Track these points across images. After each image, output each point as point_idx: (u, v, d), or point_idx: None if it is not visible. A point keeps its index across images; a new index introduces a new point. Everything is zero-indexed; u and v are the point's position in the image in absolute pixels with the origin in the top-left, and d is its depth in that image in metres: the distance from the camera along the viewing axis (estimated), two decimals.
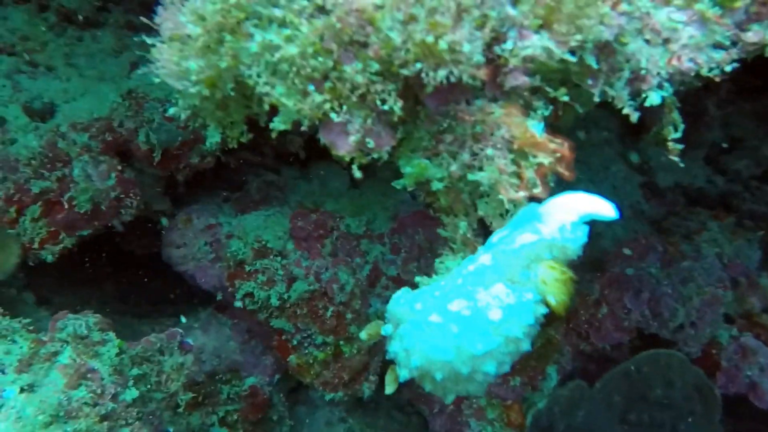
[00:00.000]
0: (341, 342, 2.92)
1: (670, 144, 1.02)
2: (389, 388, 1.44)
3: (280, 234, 2.95)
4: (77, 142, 2.62)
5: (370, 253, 3.03)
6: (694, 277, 3.21)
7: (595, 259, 3.43)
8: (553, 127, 1.02)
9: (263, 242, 2.91)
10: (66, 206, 2.57)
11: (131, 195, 2.73)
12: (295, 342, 2.94)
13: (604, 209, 1.02)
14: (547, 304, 1.11)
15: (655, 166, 4.03)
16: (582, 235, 1.08)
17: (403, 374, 1.33)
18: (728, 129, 4.05)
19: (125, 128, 2.68)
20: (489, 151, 0.98)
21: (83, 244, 2.80)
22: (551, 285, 1.07)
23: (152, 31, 1.04)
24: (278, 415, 3.37)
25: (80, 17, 3.01)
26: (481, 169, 1.01)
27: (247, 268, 2.88)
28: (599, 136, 4.07)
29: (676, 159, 1.02)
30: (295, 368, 2.99)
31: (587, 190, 3.71)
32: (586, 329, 3.19)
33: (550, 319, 3.38)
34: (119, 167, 2.69)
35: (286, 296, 2.87)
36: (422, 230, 3.11)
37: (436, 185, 1.08)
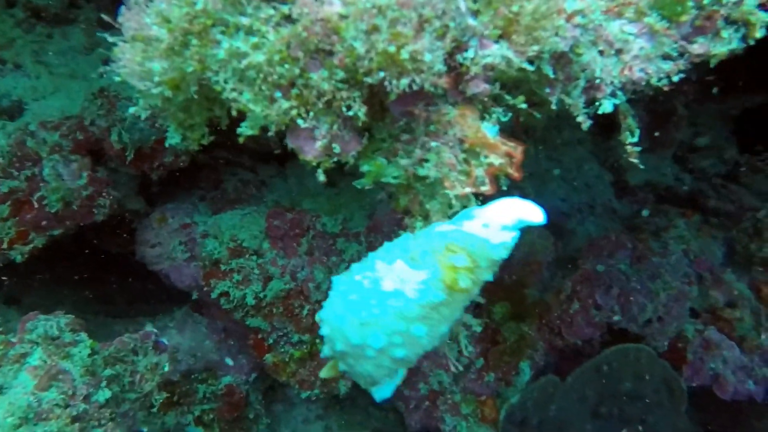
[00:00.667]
0: (317, 340, 2.94)
1: (629, 147, 1.06)
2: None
3: (255, 233, 2.95)
4: (47, 141, 2.58)
5: (346, 251, 3.04)
6: (661, 273, 3.30)
7: (568, 255, 3.50)
8: (516, 129, 1.05)
9: (239, 241, 2.91)
10: (36, 206, 2.53)
11: (104, 194, 2.70)
12: (271, 341, 2.95)
13: (534, 215, 1.04)
14: (445, 291, 1.10)
15: (626, 165, 4.12)
16: (509, 237, 1.08)
17: (324, 350, 1.34)
18: (696, 129, 4.16)
19: (97, 127, 2.65)
20: (435, 144, 1.00)
21: (56, 243, 2.76)
22: (446, 267, 1.06)
23: (118, 30, 1.04)
24: (255, 414, 3.37)
25: (50, 13, 2.95)
26: (428, 160, 1.03)
27: (223, 268, 2.87)
28: (572, 134, 4.14)
29: (635, 161, 1.07)
30: (272, 367, 3.00)
31: (560, 188, 3.76)
32: (558, 325, 3.26)
33: (522, 315, 3.41)
34: (91, 166, 2.66)
35: (262, 295, 2.87)
36: (398, 229, 3.13)
37: (392, 182, 1.10)
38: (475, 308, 2.98)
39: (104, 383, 2.34)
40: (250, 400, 3.33)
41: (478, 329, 1.37)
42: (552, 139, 3.99)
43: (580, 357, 3.27)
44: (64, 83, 2.82)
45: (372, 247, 3.10)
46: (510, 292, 3.33)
